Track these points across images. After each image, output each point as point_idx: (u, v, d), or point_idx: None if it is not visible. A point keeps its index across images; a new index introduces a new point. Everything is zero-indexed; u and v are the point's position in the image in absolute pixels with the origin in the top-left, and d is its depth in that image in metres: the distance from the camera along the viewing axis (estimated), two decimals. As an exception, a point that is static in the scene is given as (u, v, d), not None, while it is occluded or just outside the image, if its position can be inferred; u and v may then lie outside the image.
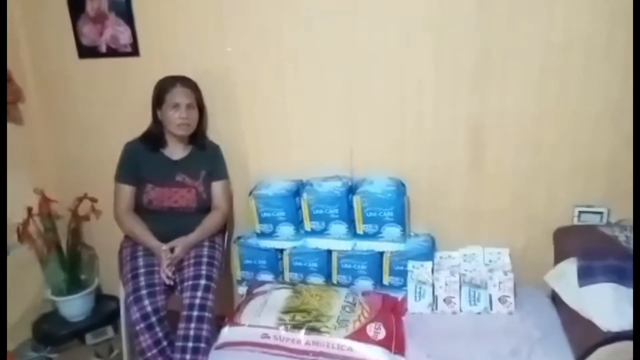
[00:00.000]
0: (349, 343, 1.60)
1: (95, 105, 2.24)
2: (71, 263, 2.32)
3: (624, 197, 1.81)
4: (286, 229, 1.98)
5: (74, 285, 2.31)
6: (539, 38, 1.74)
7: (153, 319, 1.73)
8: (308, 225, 1.97)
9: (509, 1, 1.73)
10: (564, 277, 1.66)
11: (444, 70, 1.84)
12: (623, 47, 1.69)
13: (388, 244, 1.91)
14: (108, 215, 2.06)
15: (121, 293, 1.93)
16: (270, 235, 2.01)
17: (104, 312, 2.36)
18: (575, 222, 1.87)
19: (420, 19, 1.81)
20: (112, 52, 2.10)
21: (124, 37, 2.07)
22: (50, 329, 2.29)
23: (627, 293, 1.50)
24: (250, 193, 2.01)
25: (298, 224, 1.99)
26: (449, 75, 1.85)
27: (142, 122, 2.00)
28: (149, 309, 1.72)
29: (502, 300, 1.77)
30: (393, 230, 1.89)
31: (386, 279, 1.96)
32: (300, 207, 1.96)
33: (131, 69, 2.12)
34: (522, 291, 1.81)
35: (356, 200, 1.88)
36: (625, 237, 1.73)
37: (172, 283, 1.83)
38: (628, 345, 1.39)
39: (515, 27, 1.75)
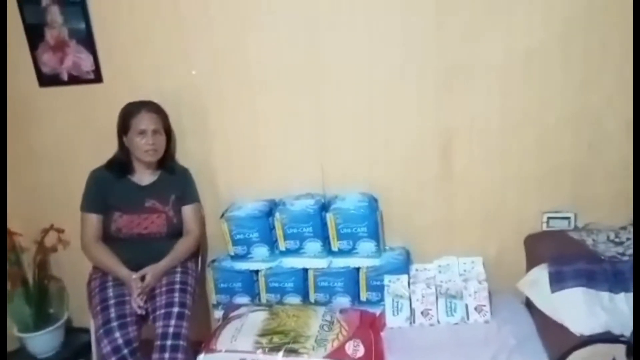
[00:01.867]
0: (328, 363, 1.59)
1: (58, 134, 2.18)
2: (38, 297, 2.23)
3: (590, 202, 1.88)
4: (260, 250, 1.96)
5: (41, 320, 2.22)
6: (498, 51, 1.79)
7: (125, 351, 1.67)
8: (282, 244, 1.95)
9: (467, 17, 1.77)
10: (536, 283, 1.69)
11: (410, 86, 1.88)
12: (579, 53, 1.75)
13: (363, 260, 1.91)
14: (76, 246, 1.99)
15: (92, 325, 1.86)
16: (244, 257, 1.98)
17: (75, 346, 2.27)
18: (544, 228, 1.91)
19: (385, 36, 1.84)
20: (74, 80, 2.06)
21: (86, 64, 2.03)
22: (18, 368, 2.19)
23: (597, 296, 1.54)
24: (222, 215, 1.99)
25: (272, 244, 1.97)
26: (415, 90, 1.88)
27: (107, 149, 1.96)
28: (120, 341, 1.67)
29: (478, 309, 1.79)
30: (368, 246, 1.89)
31: (363, 295, 1.95)
32: (273, 227, 1.95)
33: (95, 95, 2.08)
34: (497, 299, 1.83)
35: (330, 217, 1.88)
36: (592, 241, 1.77)
37: (144, 312, 1.78)
38: (600, 348, 1.43)
39: (474, 41, 1.79)
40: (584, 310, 1.51)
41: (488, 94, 1.84)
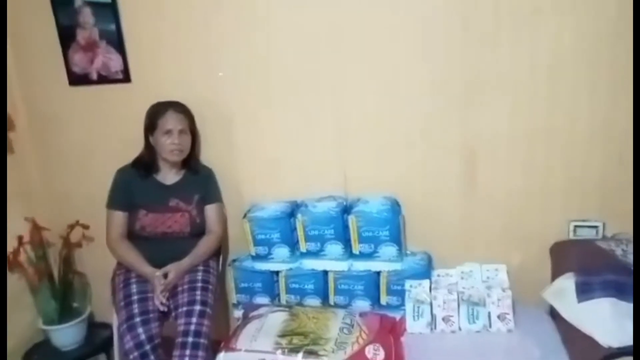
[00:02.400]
0: (348, 366, 1.58)
1: (86, 132, 2.23)
2: (63, 291, 2.27)
3: (619, 211, 1.83)
4: (281, 251, 1.97)
5: (65, 313, 2.26)
6: (525, 60, 1.77)
7: (147, 347, 1.69)
8: (303, 246, 1.95)
9: (493, 28, 1.76)
10: (562, 293, 1.65)
11: (435, 94, 1.87)
12: (608, 66, 1.72)
13: (385, 264, 1.90)
14: (100, 242, 2.03)
15: (114, 321, 1.89)
16: (265, 257, 1.99)
17: (97, 341, 2.30)
18: (571, 236, 1.87)
19: (409, 44, 1.84)
20: (103, 79, 2.11)
21: (115, 65, 2.07)
22: (41, 359, 2.23)
23: (627, 308, 1.50)
24: (245, 215, 2.00)
25: (293, 245, 1.97)
26: (440, 99, 1.87)
27: (134, 149, 2.00)
28: (142, 337, 1.69)
29: (501, 317, 1.75)
30: (389, 250, 1.88)
31: (384, 299, 1.94)
32: (295, 229, 1.95)
33: (123, 95, 2.12)
34: (521, 308, 1.79)
35: (351, 220, 1.88)
36: (621, 251, 1.73)
37: (166, 309, 1.80)
38: (629, 361, 1.38)
39: (501, 50, 1.78)
40: (612, 321, 1.48)
41: (514, 105, 1.82)
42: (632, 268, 1.61)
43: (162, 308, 1.78)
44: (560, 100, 1.79)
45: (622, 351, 1.41)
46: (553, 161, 1.85)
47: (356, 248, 1.91)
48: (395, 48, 1.86)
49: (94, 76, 2.12)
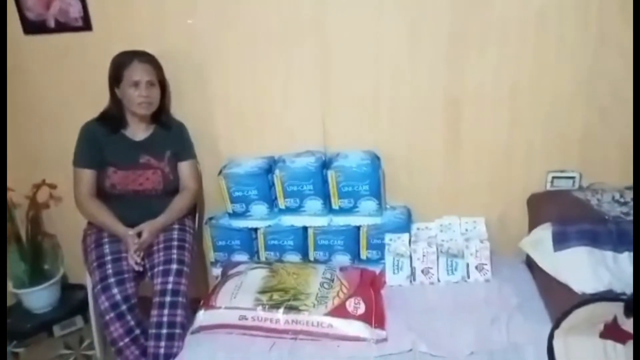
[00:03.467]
0: (329, 320, 1.58)
1: (48, 85, 2.08)
2: (32, 253, 2.20)
3: (596, 163, 1.85)
4: (259, 208, 1.92)
5: (37, 276, 2.20)
6: (514, 10, 1.71)
7: (123, 307, 1.65)
8: (282, 202, 1.91)
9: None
10: (539, 243, 1.67)
11: (419, 44, 1.80)
12: (595, 16, 1.68)
13: (364, 218, 1.88)
14: (69, 202, 1.94)
15: (88, 283, 1.84)
16: (243, 214, 1.94)
17: (72, 302, 2.27)
18: (549, 187, 1.89)
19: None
20: (62, 27, 1.95)
21: (74, 10, 1.91)
22: (14, 323, 2.18)
23: (601, 256, 1.54)
24: (220, 172, 1.93)
25: (271, 202, 1.93)
26: (424, 49, 1.80)
27: (99, 102, 1.87)
28: (118, 297, 1.64)
29: (479, 268, 1.78)
30: (369, 204, 1.85)
31: (363, 254, 1.94)
32: (273, 185, 1.90)
33: (84, 44, 1.97)
34: (498, 259, 1.82)
35: (331, 175, 1.84)
36: (596, 201, 1.75)
37: (141, 269, 1.75)
38: (602, 306, 1.42)
39: (486, 3, 1.71)
40: (587, 269, 1.51)
41: (499, 57, 1.78)
42: (606, 217, 1.64)
43: (137, 268, 1.73)
44: (544, 54, 1.75)
45: (595, 297, 1.45)
46: (537, 116, 1.83)
47: (336, 203, 1.88)
48: (379, 1, 1.77)
49: (52, 23, 1.95)
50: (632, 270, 1.45)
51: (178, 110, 2.01)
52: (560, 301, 1.49)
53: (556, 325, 1.40)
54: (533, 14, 1.70)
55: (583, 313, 1.41)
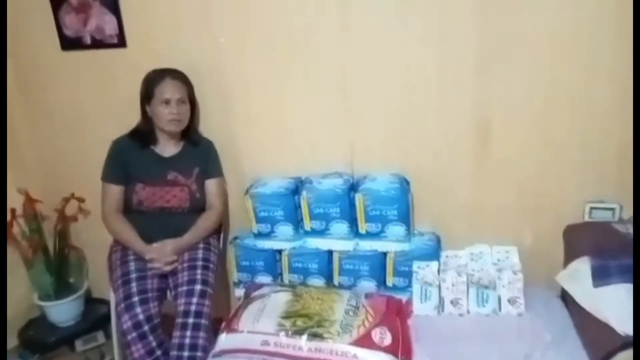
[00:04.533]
0: (354, 349, 1.53)
1: (80, 100, 2.12)
2: (58, 266, 2.21)
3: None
4: (285, 229, 1.89)
5: (61, 289, 2.21)
6: (545, 23, 1.65)
7: (146, 327, 1.63)
8: (308, 224, 1.88)
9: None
10: (577, 277, 1.59)
11: (447, 60, 1.76)
12: (631, 30, 1.59)
13: (392, 244, 1.83)
14: (96, 216, 1.95)
15: (112, 300, 1.83)
16: (268, 235, 1.92)
17: (94, 317, 2.26)
18: (586, 218, 1.80)
19: (421, 10, 1.72)
20: (97, 44, 1.98)
21: (110, 27, 1.94)
22: (37, 336, 2.19)
23: (645, 294, 1.44)
24: (247, 192, 1.92)
25: (297, 223, 1.90)
26: (453, 65, 1.76)
27: (130, 117, 1.90)
28: (141, 317, 1.63)
29: (511, 301, 1.70)
30: (397, 229, 1.81)
31: (390, 280, 1.88)
32: (299, 206, 1.87)
33: (118, 60, 2.00)
34: (531, 291, 1.74)
35: (358, 198, 1.80)
36: (639, 234, 1.66)
37: (169, 269, 1.75)
38: (648, 350, 1.33)
39: (519, 11, 1.66)
40: (630, 308, 1.41)
41: (533, 71, 1.71)
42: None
43: (168, 268, 1.73)
44: (580, 69, 1.68)
45: None
46: (570, 135, 1.75)
47: (362, 227, 1.84)
48: (406, 17, 1.74)
49: (88, 40, 1.99)
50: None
51: (204, 129, 2.01)
52: (601, 341, 1.41)
53: (597, 368, 1.32)
54: (566, 26, 1.64)
55: (628, 356, 1.33)
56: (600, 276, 1.52)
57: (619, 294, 1.46)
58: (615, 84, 1.67)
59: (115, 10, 1.92)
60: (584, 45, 1.65)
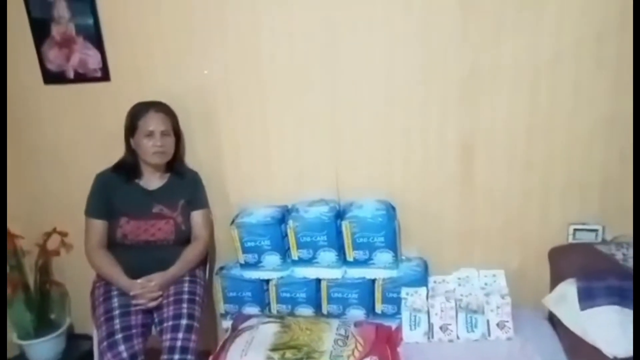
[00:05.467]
0: (344, 381, 1.51)
1: (63, 134, 2.10)
2: (40, 302, 2.15)
3: (619, 214, 1.79)
4: (272, 259, 1.88)
5: (43, 326, 2.15)
6: (527, 53, 1.70)
7: (130, 365, 1.59)
8: (295, 253, 1.87)
9: (495, 16, 1.69)
10: (563, 300, 1.60)
11: (431, 88, 1.79)
12: (612, 60, 1.67)
13: (380, 271, 1.83)
14: (80, 250, 1.91)
15: (95, 337, 1.78)
16: (255, 265, 1.90)
17: (77, 354, 2.20)
18: (570, 240, 1.82)
19: (405, 36, 1.76)
20: (81, 78, 1.98)
21: (93, 62, 1.95)
22: (17, 376, 2.12)
23: (631, 315, 1.45)
24: (233, 222, 1.90)
25: (284, 252, 1.88)
26: (437, 93, 1.80)
27: (114, 151, 1.89)
28: (124, 355, 1.58)
29: (500, 325, 1.70)
30: (385, 256, 1.80)
31: (378, 307, 1.87)
32: (286, 235, 1.86)
33: (101, 94, 2.00)
34: (519, 314, 1.74)
35: (345, 225, 1.80)
36: (622, 255, 1.69)
37: (155, 304, 1.71)
38: (636, 372, 1.33)
39: (501, 43, 1.71)
40: (617, 330, 1.43)
41: (514, 99, 1.76)
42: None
43: (153, 304, 1.70)
44: (560, 96, 1.73)
45: (628, 361, 1.37)
46: (553, 161, 1.79)
47: (350, 255, 1.83)
48: (390, 46, 1.78)
49: (71, 74, 1.99)
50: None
51: (189, 159, 2.01)
52: (590, 365, 1.41)
53: (588, 391, 1.31)
54: (547, 57, 1.69)
55: (616, 379, 1.33)
56: (587, 298, 1.53)
57: (606, 315, 1.47)
58: (595, 109, 1.72)
59: (98, 45, 1.93)
60: (564, 74, 1.71)
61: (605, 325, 1.45)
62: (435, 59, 1.76)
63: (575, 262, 1.69)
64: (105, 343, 1.60)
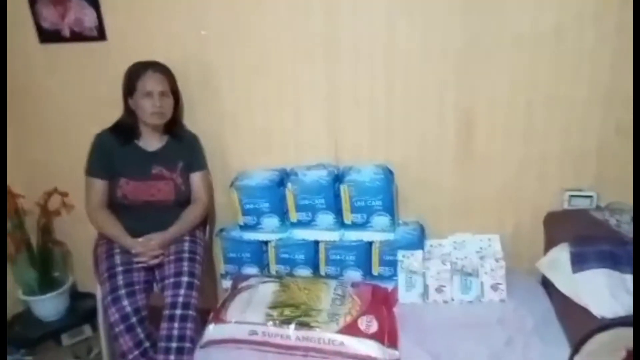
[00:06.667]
0: (341, 338, 1.55)
1: (61, 93, 2.08)
2: (42, 261, 2.19)
3: (614, 181, 1.81)
4: (271, 221, 1.90)
5: (46, 284, 2.19)
6: (529, 22, 1.68)
7: (133, 319, 1.64)
8: (294, 216, 1.89)
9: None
10: (556, 264, 1.63)
11: (432, 56, 1.78)
12: (613, 30, 1.65)
13: (377, 234, 1.85)
14: (80, 210, 1.93)
15: (98, 293, 1.83)
16: (254, 227, 1.92)
17: (80, 311, 2.25)
18: (566, 206, 1.85)
19: (405, 3, 1.73)
20: (77, 37, 1.95)
21: (89, 20, 1.91)
22: (23, 331, 2.17)
23: (621, 279, 1.49)
24: (232, 184, 1.92)
25: (283, 215, 1.91)
26: (437, 61, 1.78)
27: (112, 111, 1.87)
28: (128, 309, 1.63)
29: (494, 287, 1.74)
30: (382, 220, 1.83)
31: (375, 270, 1.91)
32: (284, 198, 1.88)
33: (98, 54, 1.97)
34: (513, 277, 1.78)
35: (344, 189, 1.81)
36: (615, 221, 1.71)
37: (157, 262, 1.75)
38: (623, 332, 1.38)
39: (503, 11, 1.69)
40: (607, 292, 1.46)
41: (515, 69, 1.75)
42: (625, 239, 1.60)
43: (154, 262, 1.73)
44: (560, 67, 1.72)
45: (615, 322, 1.40)
46: (551, 130, 1.80)
47: (348, 218, 1.85)
48: (390, 13, 1.75)
49: (66, 33, 1.96)
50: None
51: (189, 122, 2.00)
52: (580, 325, 1.46)
53: (575, 350, 1.37)
54: (549, 28, 1.68)
55: (604, 338, 1.38)
56: (579, 262, 1.56)
57: (597, 278, 1.50)
58: (594, 80, 1.72)
59: (94, 2, 1.89)
60: (565, 45, 1.69)
61: (595, 288, 1.48)
62: (436, 27, 1.74)
63: (569, 228, 1.72)
64: (109, 298, 1.64)
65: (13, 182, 2.13)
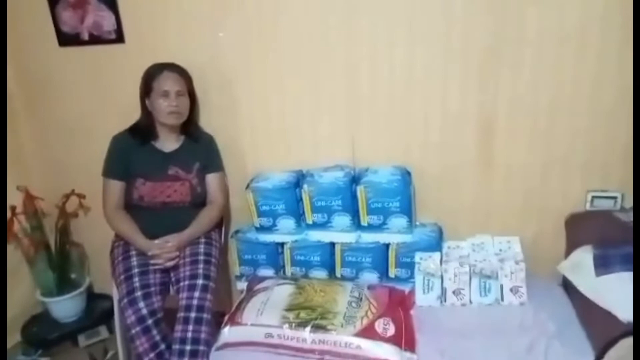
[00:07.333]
0: (357, 341, 1.53)
1: (79, 96, 2.11)
2: (60, 262, 2.21)
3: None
4: (286, 222, 1.89)
5: (64, 285, 2.21)
6: (552, 24, 1.65)
7: (149, 321, 1.64)
8: (310, 217, 1.88)
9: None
10: (579, 266, 1.60)
11: (453, 58, 1.76)
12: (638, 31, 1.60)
13: (394, 236, 1.83)
14: (97, 212, 1.95)
15: (114, 294, 1.83)
16: (269, 229, 1.91)
17: (97, 312, 2.27)
18: (588, 207, 1.80)
19: (426, 3, 1.72)
20: (95, 40, 1.97)
21: (108, 23, 1.94)
22: (40, 332, 2.19)
23: (648, 282, 1.44)
24: (248, 186, 1.91)
25: (299, 216, 1.89)
26: (458, 63, 1.76)
27: (130, 113, 1.89)
28: (144, 311, 1.63)
29: (513, 290, 1.71)
30: (399, 221, 1.80)
31: (392, 272, 1.88)
32: (301, 199, 1.87)
33: (116, 57, 1.99)
34: (533, 280, 1.74)
35: (360, 190, 1.79)
36: (640, 223, 1.66)
37: (172, 264, 1.75)
38: (650, 337, 1.33)
39: (526, 13, 1.66)
40: (632, 296, 1.42)
41: (538, 71, 1.71)
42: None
43: (170, 264, 1.73)
44: (584, 67, 1.68)
45: (642, 327, 1.36)
46: (575, 131, 1.76)
47: (364, 220, 1.83)
48: (412, 11, 1.73)
49: (85, 36, 1.98)
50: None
51: (205, 124, 2.00)
52: (604, 329, 1.41)
53: (600, 355, 1.32)
54: (572, 29, 1.65)
55: (629, 343, 1.33)
56: (603, 265, 1.53)
57: (622, 282, 1.46)
58: (619, 79, 1.67)
59: (112, 6, 1.91)
60: (590, 47, 1.66)
61: (620, 291, 1.44)
62: (457, 28, 1.72)
63: (592, 230, 1.68)
64: (125, 300, 1.65)
65: (32, 184, 2.16)
